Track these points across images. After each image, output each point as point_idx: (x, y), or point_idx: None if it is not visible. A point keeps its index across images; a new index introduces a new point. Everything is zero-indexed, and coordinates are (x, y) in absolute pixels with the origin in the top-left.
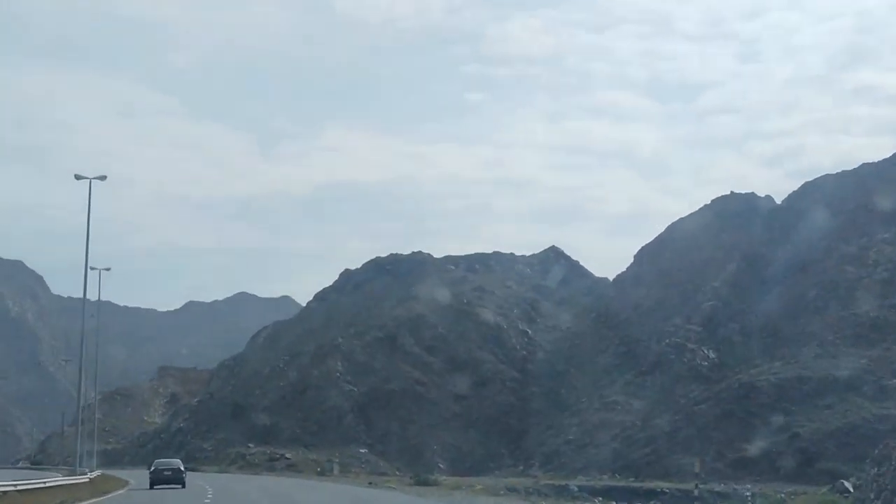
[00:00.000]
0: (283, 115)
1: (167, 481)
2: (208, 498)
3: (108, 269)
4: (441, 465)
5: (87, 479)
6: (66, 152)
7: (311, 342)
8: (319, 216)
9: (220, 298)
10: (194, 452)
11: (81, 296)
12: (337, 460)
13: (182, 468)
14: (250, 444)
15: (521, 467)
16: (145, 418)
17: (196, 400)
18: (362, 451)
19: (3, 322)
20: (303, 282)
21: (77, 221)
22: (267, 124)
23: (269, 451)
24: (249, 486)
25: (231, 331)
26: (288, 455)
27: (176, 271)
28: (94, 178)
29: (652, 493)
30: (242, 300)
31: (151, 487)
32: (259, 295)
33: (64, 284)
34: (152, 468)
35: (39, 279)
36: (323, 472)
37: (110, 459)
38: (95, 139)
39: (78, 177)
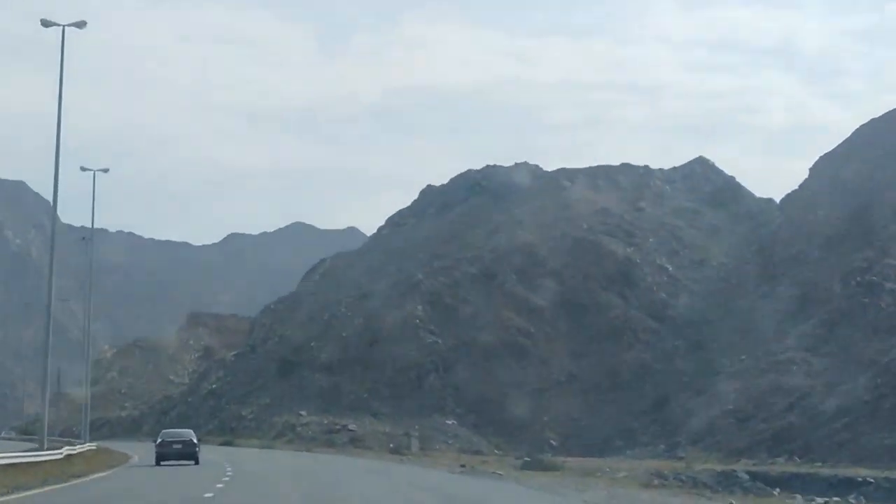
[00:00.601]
0: (350, 2)
1: (177, 456)
2: (222, 481)
3: (105, 171)
4: (553, 442)
5: (60, 456)
6: (86, 49)
7: (383, 280)
8: (395, 128)
9: (270, 230)
10: (230, 422)
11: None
12: (416, 434)
13: (195, 440)
14: (302, 412)
15: (662, 446)
16: (171, 378)
17: (233, 354)
18: (449, 422)
19: (2, 257)
20: (373, 210)
21: (95, 133)
22: (330, 14)
23: (326, 422)
24: (287, 467)
25: (282, 271)
26: (352, 426)
27: (217, 196)
28: (69, 25)
29: (850, 483)
30: (297, 233)
31: (158, 464)
32: (318, 226)
33: (77, 211)
34: (158, 441)
35: (46, 204)
36: (397, 450)
37: (126, 428)
38: (120, 33)
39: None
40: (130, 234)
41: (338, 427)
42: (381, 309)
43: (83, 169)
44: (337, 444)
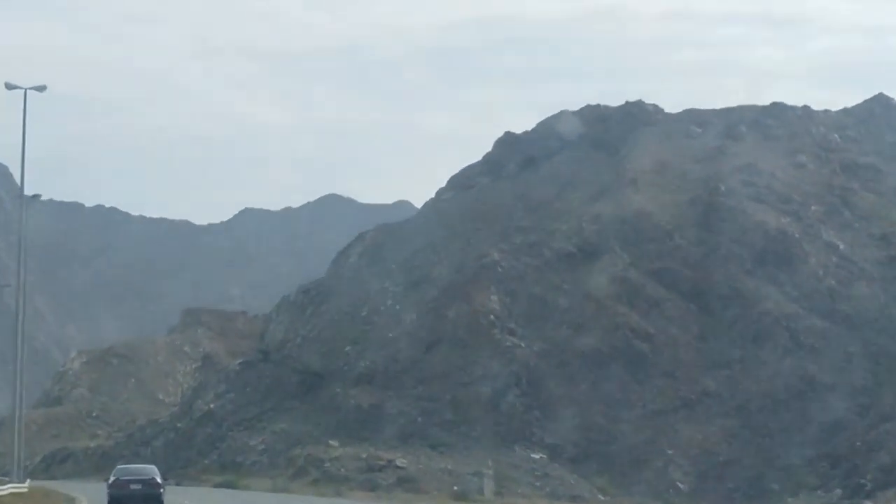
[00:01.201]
0: None
1: (134, 500)
2: None
3: (41, 89)
4: (681, 485)
5: None
6: None
7: (444, 262)
8: (458, 73)
9: (296, 205)
10: (233, 454)
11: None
12: (490, 473)
13: (158, 479)
14: (333, 443)
15: (839, 490)
16: (160, 396)
17: (239, 363)
18: (536, 456)
19: None
20: (428, 178)
21: (66, 84)
22: None
23: (366, 455)
24: None
25: (310, 259)
26: (400, 462)
27: (226, 163)
28: None
29: None
30: (331, 208)
31: None
32: (358, 199)
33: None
34: (111, 479)
35: (3, 170)
36: (464, 495)
37: (96, 463)
38: None
39: None
40: (113, 209)
41: (381, 463)
42: (442, 301)
43: (9, 87)
44: (380, 487)
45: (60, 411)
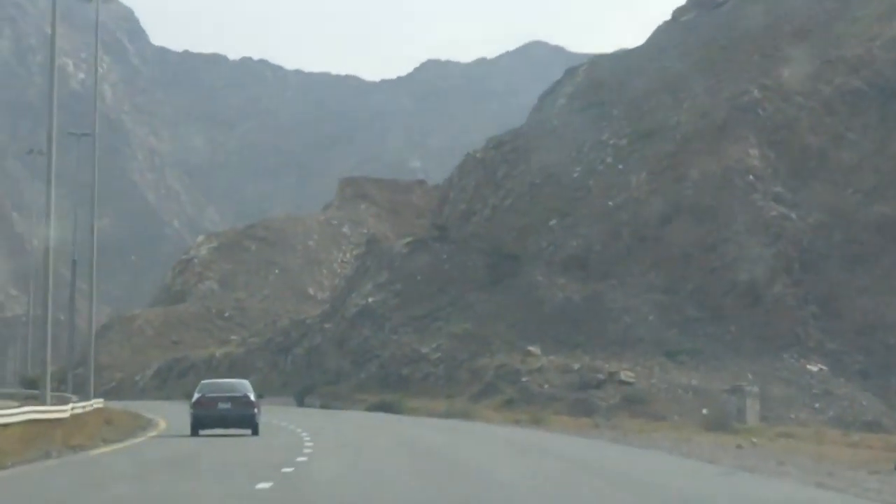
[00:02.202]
0: None
1: (223, 422)
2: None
3: None
4: None
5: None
6: None
7: (685, 104)
8: None
9: (490, 56)
10: (399, 365)
11: None
12: (752, 391)
13: (252, 396)
14: (533, 348)
15: None
16: (310, 291)
17: (406, 243)
18: (814, 368)
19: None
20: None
21: None
22: None
23: (579, 366)
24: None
25: (507, 120)
26: (626, 375)
27: (405, 6)
28: None
29: None
30: (535, 58)
31: (194, 433)
32: (567, 48)
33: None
34: (195, 398)
35: (127, 15)
36: (718, 423)
37: (223, 376)
38: None
39: None
40: (262, 63)
41: (599, 377)
42: (681, 157)
43: None
44: (597, 410)
45: (183, 310)
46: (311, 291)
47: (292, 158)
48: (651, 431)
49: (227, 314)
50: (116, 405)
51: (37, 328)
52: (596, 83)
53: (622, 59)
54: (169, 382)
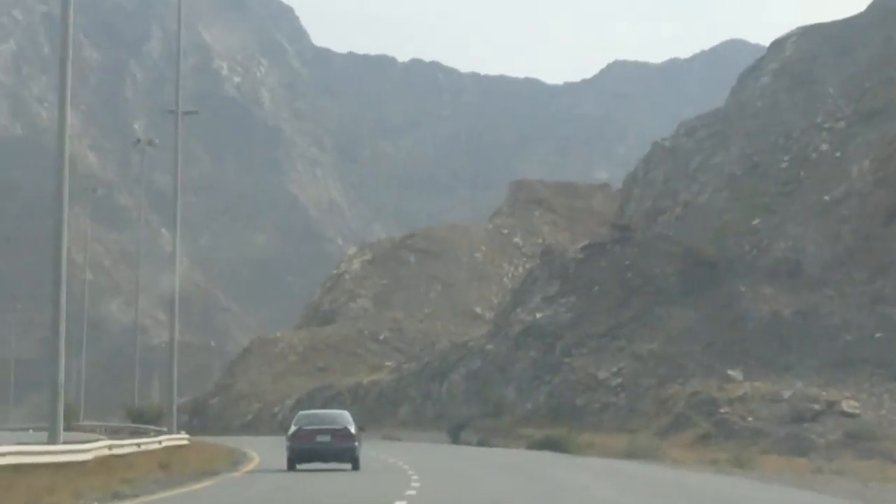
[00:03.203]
0: None
1: (322, 456)
2: None
3: None
4: None
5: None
6: None
7: None
8: None
9: (684, 55)
10: (572, 393)
11: None
12: None
13: (352, 429)
14: (734, 372)
15: None
16: (477, 310)
17: (583, 247)
18: None
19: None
20: None
21: None
22: None
23: (790, 394)
24: None
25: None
26: (849, 405)
27: (588, 4)
28: None
29: None
30: (733, 58)
31: (291, 468)
32: (764, 43)
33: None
34: (292, 431)
35: (287, 14)
36: None
37: (370, 407)
38: None
39: None
40: (434, 65)
41: (816, 408)
42: None
43: None
44: (815, 448)
45: (331, 332)
46: (477, 310)
47: (466, 169)
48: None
49: (381, 336)
50: (209, 440)
51: (183, 355)
52: (807, 57)
53: (838, 29)
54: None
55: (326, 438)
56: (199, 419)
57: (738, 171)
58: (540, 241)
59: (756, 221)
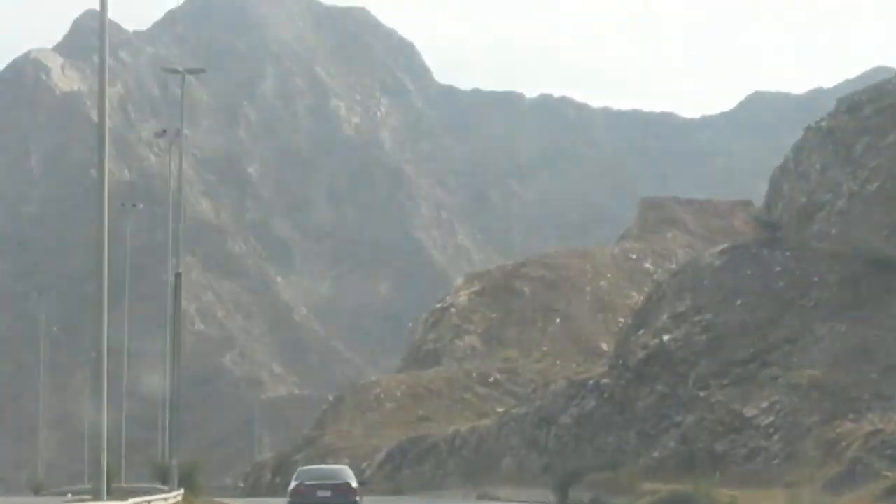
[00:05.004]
0: None
1: None
2: None
3: None
4: None
5: None
6: None
7: None
8: None
9: (828, 86)
10: (711, 436)
11: None
12: None
13: (353, 484)
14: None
15: None
16: (602, 346)
17: (721, 250)
18: None
19: None
20: None
21: None
22: None
23: None
24: None
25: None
26: None
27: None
28: None
29: None
30: (882, 86)
31: None
32: None
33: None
34: (293, 486)
35: (409, 51)
36: None
37: (462, 462)
38: None
39: None
40: (564, 100)
41: None
42: None
43: None
44: None
45: (434, 375)
46: (603, 346)
47: (598, 210)
48: None
49: (491, 379)
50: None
51: (299, 409)
52: None
53: None
54: (403, 470)
55: (327, 494)
56: (282, 478)
57: None
58: (673, 266)
59: None
